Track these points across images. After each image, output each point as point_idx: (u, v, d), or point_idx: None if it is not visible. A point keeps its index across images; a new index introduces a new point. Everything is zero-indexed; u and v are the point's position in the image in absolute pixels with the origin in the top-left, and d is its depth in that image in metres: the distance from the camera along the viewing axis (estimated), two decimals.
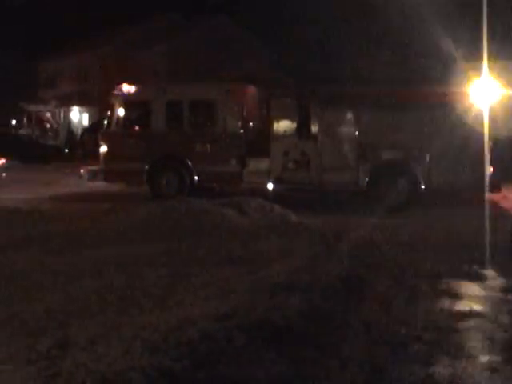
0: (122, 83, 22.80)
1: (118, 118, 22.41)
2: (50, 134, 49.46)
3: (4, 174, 27.46)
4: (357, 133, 20.44)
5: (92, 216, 14.64)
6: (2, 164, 27.87)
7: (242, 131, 21.47)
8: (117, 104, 22.47)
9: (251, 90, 22.60)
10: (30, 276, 9.87)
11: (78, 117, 54.12)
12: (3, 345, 6.97)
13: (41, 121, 51.23)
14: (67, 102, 53.19)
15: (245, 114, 21.63)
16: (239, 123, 21.54)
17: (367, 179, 20.21)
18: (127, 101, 22.27)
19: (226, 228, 12.91)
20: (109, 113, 23.26)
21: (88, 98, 52.04)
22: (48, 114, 51.82)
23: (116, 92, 22.59)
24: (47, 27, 60.42)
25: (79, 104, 53.74)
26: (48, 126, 50.45)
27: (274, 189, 20.37)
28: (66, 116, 52.31)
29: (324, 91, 21.01)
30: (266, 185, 20.46)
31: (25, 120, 52.61)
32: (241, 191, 20.38)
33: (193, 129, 21.78)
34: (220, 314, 7.39)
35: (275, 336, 7.06)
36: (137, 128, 22.49)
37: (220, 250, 11.34)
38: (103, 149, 22.30)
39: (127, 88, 22.45)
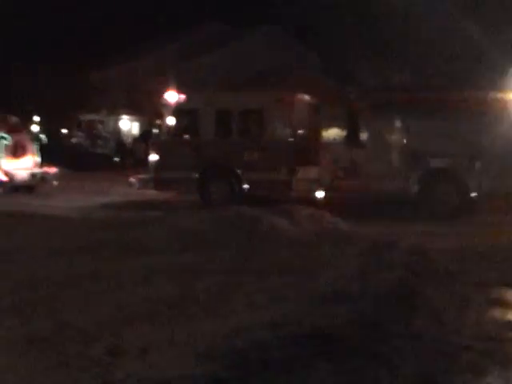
0: (171, 92, 22.89)
1: (168, 126, 22.55)
2: (100, 142, 49.82)
3: (56, 183, 27.68)
4: (406, 140, 20.31)
5: (143, 224, 14.70)
6: (54, 173, 28.04)
7: (291, 139, 21.42)
8: (166, 113, 22.61)
9: (300, 98, 22.54)
10: (82, 284, 9.95)
11: (128, 126, 54.46)
12: (57, 352, 7.04)
13: (91, 130, 51.58)
14: (117, 111, 53.54)
15: (294, 122, 21.58)
16: (288, 131, 21.50)
17: (417, 187, 20.07)
18: (177, 110, 22.37)
19: (276, 236, 12.89)
20: (158, 122, 23.43)
21: (137, 107, 52.37)
22: (98, 123, 52.18)
23: (165, 101, 22.70)
24: (97, 37, 61.06)
25: (129, 113, 54.07)
26: (98, 134, 50.81)
27: (323, 197, 20.31)
28: (116, 125, 52.61)
29: (373, 98, 20.93)
30: (316, 193, 20.40)
31: (75, 129, 53.04)
32: (290, 200, 20.35)
33: (242, 137, 21.78)
34: (271, 322, 7.38)
35: (326, 345, 7.04)
36: (186, 137, 22.56)
37: (271, 259, 11.32)
38: (153, 157, 22.43)
39: (177, 97, 22.55)
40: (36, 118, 63.67)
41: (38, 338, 7.45)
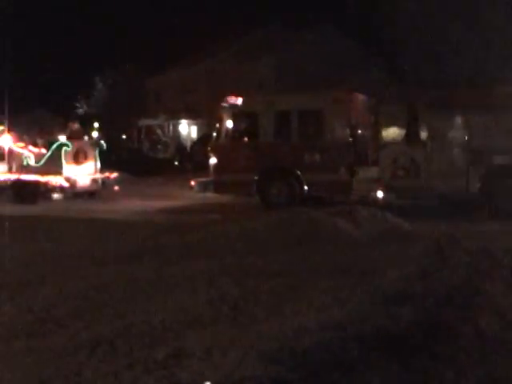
0: (230, 95, 22.98)
1: (227, 129, 22.60)
2: (159, 147, 50.27)
3: (117, 188, 27.99)
4: (467, 137, 20.06)
5: (205, 227, 14.77)
6: (115, 178, 28.39)
7: (350, 140, 21.31)
8: (225, 116, 22.67)
9: (359, 97, 22.43)
10: (144, 287, 10.04)
11: (187, 130, 54.83)
12: (122, 354, 7.11)
13: (151, 134, 52.09)
14: (176, 116, 53.95)
15: (353, 122, 21.47)
16: (348, 132, 21.39)
17: (478, 185, 19.81)
18: (236, 112, 22.41)
19: (338, 237, 12.86)
20: (218, 125, 23.50)
21: (196, 110, 52.68)
22: (157, 128, 52.67)
23: (224, 104, 22.78)
24: (154, 42, 61.58)
25: (187, 117, 54.43)
26: (158, 139, 51.28)
27: (383, 197, 20.18)
28: (175, 129, 53.06)
29: (432, 96, 20.73)
30: (376, 193, 20.27)
31: (135, 134, 53.61)
32: (350, 200, 20.27)
33: (301, 138, 21.73)
34: (335, 323, 7.34)
35: (390, 346, 6.98)
36: (245, 139, 22.59)
37: (333, 259, 11.29)
38: (213, 160, 22.50)
39: (235, 100, 22.61)
40: (96, 124, 64.54)
41: (103, 342, 7.54)
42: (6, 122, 31.59)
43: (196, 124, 54.15)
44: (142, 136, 53.35)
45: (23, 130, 33.75)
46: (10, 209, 22.88)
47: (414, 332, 7.36)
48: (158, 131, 52.03)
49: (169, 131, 53.32)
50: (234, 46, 57.33)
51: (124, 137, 56.48)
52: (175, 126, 53.77)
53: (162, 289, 9.84)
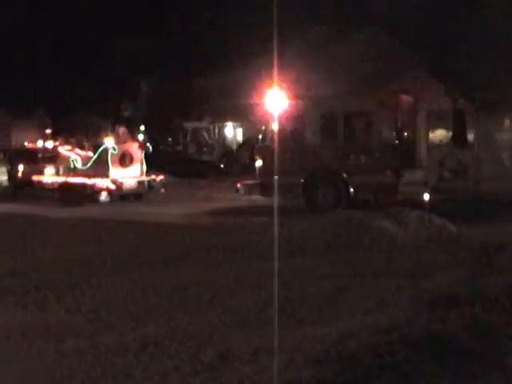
0: (275, 97, 22.96)
1: (273, 131, 22.56)
2: (205, 149, 50.36)
3: (163, 190, 28.15)
4: None
5: (252, 230, 14.79)
6: (161, 180, 28.54)
7: (396, 142, 21.16)
8: (271, 118, 22.62)
9: (406, 99, 22.25)
10: (191, 289, 10.09)
11: (232, 132, 54.91)
12: (169, 356, 7.15)
13: (196, 137, 52.20)
14: (221, 118, 54.02)
15: (399, 124, 21.32)
16: (394, 134, 21.24)
17: None
18: (281, 114, 22.33)
19: (385, 240, 12.79)
20: (263, 127, 23.45)
21: (241, 113, 52.70)
22: (203, 131, 52.77)
23: (269, 106, 22.74)
24: (200, 44, 61.77)
25: (233, 119, 54.47)
26: (204, 142, 51.38)
27: (429, 199, 20.01)
28: (221, 132, 53.12)
29: (479, 97, 20.53)
30: (422, 195, 20.09)
31: (181, 137, 53.76)
32: (396, 203, 20.13)
33: (347, 140, 21.57)
34: (381, 326, 7.31)
35: (438, 350, 6.94)
36: (291, 141, 22.53)
37: (380, 262, 11.24)
38: (259, 163, 22.49)
39: (281, 102, 22.58)
40: (141, 127, 64.90)
41: (151, 343, 7.59)
42: (51, 126, 32.08)
43: (242, 127, 54.16)
44: (188, 139, 53.46)
45: (70, 132, 34.09)
46: (57, 211, 23.19)
47: (462, 336, 7.31)
48: (204, 134, 52.10)
49: (214, 134, 53.35)
50: (281, 48, 57.23)
51: (170, 139, 56.67)
52: (221, 129, 53.81)
53: (209, 291, 9.88)
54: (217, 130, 53.13)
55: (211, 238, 14.60)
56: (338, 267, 10.98)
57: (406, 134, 21.52)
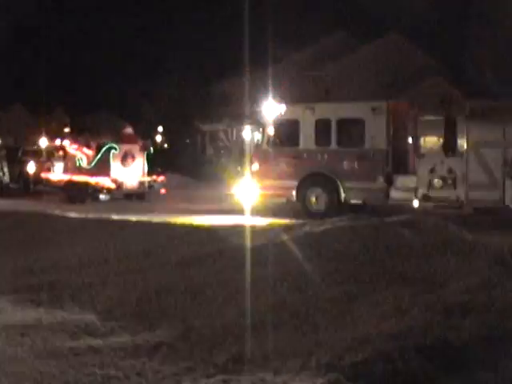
0: (272, 103, 23.45)
1: (269, 136, 23.09)
2: (222, 151, 50.42)
3: (163, 190, 28.71)
4: (504, 148, 19.91)
5: (263, 234, 14.76)
6: (162, 180, 29.16)
7: (388, 148, 21.40)
8: (267, 123, 23.18)
9: (399, 107, 22.54)
10: (207, 291, 10.09)
11: (250, 135, 54.94)
12: (183, 357, 7.16)
13: (214, 139, 52.32)
14: (239, 121, 54.07)
15: (392, 131, 21.57)
16: (385, 140, 21.49)
17: None
18: (277, 120, 22.87)
19: (400, 246, 12.74)
20: (260, 131, 24.10)
21: (258, 116, 52.71)
22: (221, 133, 52.86)
23: (266, 111, 23.28)
24: (219, 46, 61.85)
25: (251, 122, 54.50)
26: (221, 144, 51.47)
27: (419, 206, 20.14)
28: (239, 134, 53.12)
29: (470, 106, 20.65)
30: (412, 202, 20.26)
31: (199, 138, 53.89)
32: (387, 208, 20.52)
33: (340, 146, 21.99)
34: (395, 333, 7.29)
35: (452, 358, 6.91)
36: (286, 146, 22.91)
37: (395, 269, 11.20)
38: (255, 167, 22.94)
39: (277, 107, 23.07)
40: (160, 129, 64.98)
41: (164, 344, 7.60)
42: (69, 124, 33.01)
43: (258, 130, 54.33)
44: (206, 141, 53.58)
45: (89, 132, 34.55)
46: (59, 208, 23.73)
47: (476, 344, 7.28)
48: (222, 136, 52.21)
49: (232, 136, 53.41)
50: (297, 53, 57.33)
51: (187, 141, 56.81)
52: (239, 131, 53.85)
53: (223, 294, 9.87)
54: (235, 133, 53.13)
55: (225, 239, 14.58)
56: (353, 273, 10.95)
57: (398, 140, 21.73)
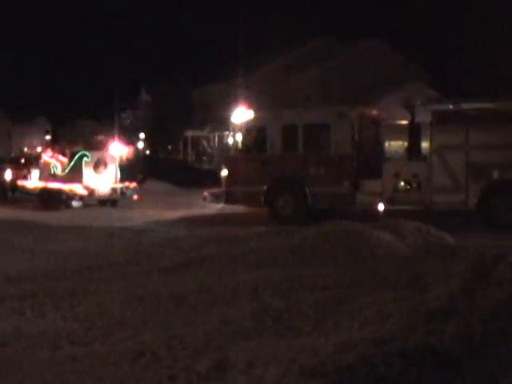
0: (240, 109, 23.89)
1: (237, 142, 23.47)
2: (204, 158, 50.49)
3: (136, 197, 29.08)
4: (467, 152, 20.10)
5: (247, 240, 14.78)
6: (134, 187, 29.54)
7: (354, 153, 21.60)
8: (236, 129, 23.57)
9: (366, 112, 22.81)
10: (189, 298, 10.07)
11: (232, 141, 55.04)
12: (165, 365, 7.14)
13: (196, 146, 52.36)
14: (221, 127, 54.14)
15: (356, 136, 21.80)
16: (351, 145, 21.71)
17: (476, 200, 19.94)
18: (245, 126, 23.19)
19: (382, 251, 12.79)
20: (230, 138, 24.74)
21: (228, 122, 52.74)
22: (203, 140, 52.91)
23: (235, 117, 23.67)
24: (201, 53, 61.94)
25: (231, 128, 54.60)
26: (203, 150, 51.53)
27: (384, 210, 20.33)
28: (221, 141, 53.18)
29: (434, 110, 20.88)
30: (378, 206, 20.45)
31: (181, 145, 53.91)
32: (353, 212, 20.81)
33: (307, 151, 22.33)
34: (378, 338, 7.29)
35: (434, 362, 6.92)
36: (255, 152, 23.15)
37: (377, 274, 11.23)
38: (224, 172, 23.26)
39: (245, 114, 23.43)
40: (141, 135, 64.92)
41: (147, 352, 7.58)
42: (50, 132, 33.94)
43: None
44: (188, 147, 53.62)
45: (69, 139, 35.09)
46: (33, 214, 24.41)
47: (458, 348, 7.29)
48: (204, 143, 52.26)
49: (214, 143, 53.47)
50: (282, 58, 57.45)
51: (170, 147, 56.81)
52: (221, 138, 53.90)
53: (205, 300, 9.86)
54: (217, 139, 53.19)
55: (208, 246, 14.59)
56: (336, 278, 10.98)
57: (364, 145, 21.97)
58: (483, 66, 34.67)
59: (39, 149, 33.52)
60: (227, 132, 53.48)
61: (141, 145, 64.76)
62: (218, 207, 25.85)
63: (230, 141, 24.79)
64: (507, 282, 10.45)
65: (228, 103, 58.13)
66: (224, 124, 54.04)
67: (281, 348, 7.28)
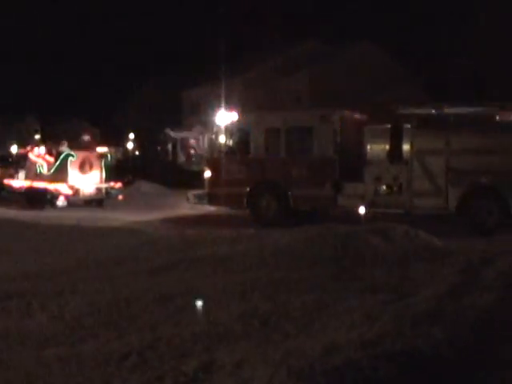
0: (223, 111, 24.07)
1: (220, 144, 23.59)
2: (193, 159, 50.38)
3: (121, 197, 29.18)
4: (447, 157, 20.23)
5: (236, 241, 14.76)
6: (119, 187, 29.63)
7: (336, 156, 21.70)
8: (219, 131, 23.68)
9: (348, 115, 22.89)
10: (176, 300, 10.04)
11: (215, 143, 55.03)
12: (152, 366, 7.11)
13: (185, 147, 52.25)
14: (210, 128, 54.15)
15: (339, 139, 21.88)
16: (333, 148, 21.81)
17: (456, 204, 20.07)
18: (228, 128, 23.33)
19: (370, 254, 12.81)
20: (212, 140, 24.85)
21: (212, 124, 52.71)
22: (192, 141, 52.82)
23: (218, 119, 23.81)
24: (192, 54, 61.92)
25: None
26: (192, 152, 51.44)
27: (366, 213, 20.41)
28: (210, 142, 53.11)
29: (416, 115, 21.00)
30: (359, 209, 20.53)
31: (169, 146, 53.80)
32: (334, 215, 20.94)
33: (289, 154, 22.42)
34: (365, 341, 7.30)
35: (421, 365, 6.93)
36: (238, 154, 23.23)
37: (364, 277, 11.24)
38: (207, 174, 23.36)
39: (228, 116, 23.53)
40: (131, 136, 64.80)
41: (133, 353, 7.54)
42: (39, 131, 33.91)
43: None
44: (177, 148, 53.50)
45: (59, 138, 35.04)
46: (18, 214, 24.64)
47: (445, 351, 7.30)
48: (193, 144, 52.18)
49: (203, 144, 53.39)
50: (271, 60, 57.50)
51: (159, 148, 56.71)
52: (210, 139, 53.87)
53: (193, 302, 9.84)
54: (206, 140, 53.13)
55: (196, 247, 14.55)
56: (324, 280, 10.98)
57: (346, 148, 22.04)
58: (473, 67, 34.82)
59: (28, 148, 33.39)
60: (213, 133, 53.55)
61: (130, 145, 64.66)
62: (207, 208, 25.89)
63: (213, 142, 24.85)
64: (495, 286, 10.49)
65: (217, 105, 58.23)
66: (212, 125, 54.14)
67: (269, 350, 7.27)
